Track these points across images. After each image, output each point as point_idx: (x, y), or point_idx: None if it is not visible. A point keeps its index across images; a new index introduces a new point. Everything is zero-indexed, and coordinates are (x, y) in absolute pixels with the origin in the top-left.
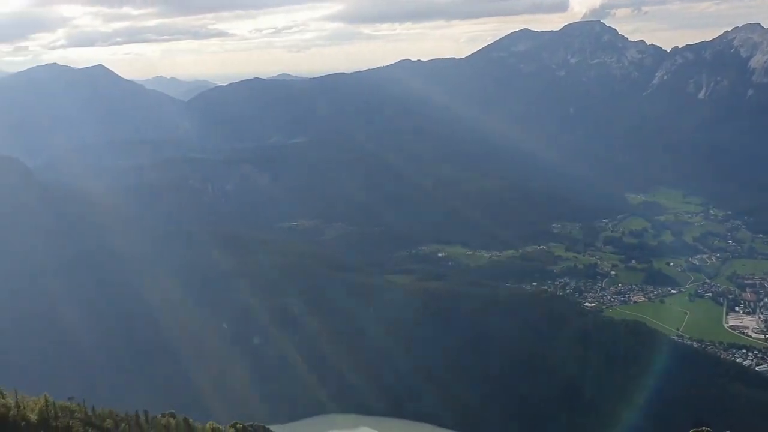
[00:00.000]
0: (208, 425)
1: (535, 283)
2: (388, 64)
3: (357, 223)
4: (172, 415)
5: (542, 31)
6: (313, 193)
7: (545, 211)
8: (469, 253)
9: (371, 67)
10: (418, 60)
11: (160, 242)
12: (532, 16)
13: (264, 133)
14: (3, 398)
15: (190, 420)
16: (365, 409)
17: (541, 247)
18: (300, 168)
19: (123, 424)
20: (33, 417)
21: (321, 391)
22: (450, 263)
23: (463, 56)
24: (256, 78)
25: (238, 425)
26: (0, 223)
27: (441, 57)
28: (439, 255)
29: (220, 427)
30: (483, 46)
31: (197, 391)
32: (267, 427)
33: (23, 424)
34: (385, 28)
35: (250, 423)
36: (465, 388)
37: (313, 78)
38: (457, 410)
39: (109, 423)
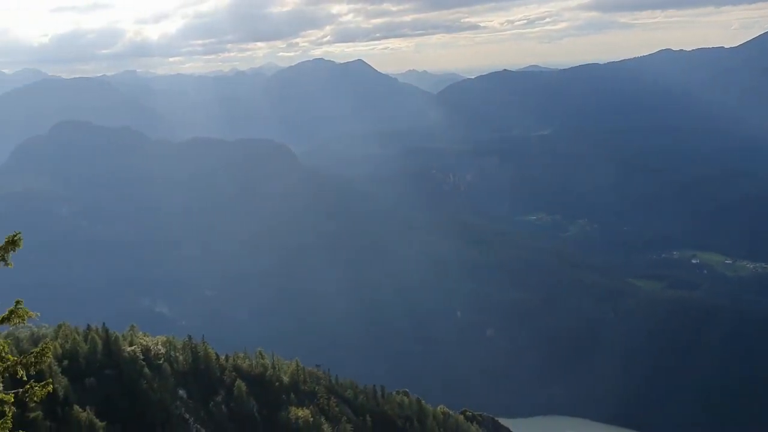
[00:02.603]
0: (438, 408)
1: None
2: (646, 54)
3: (602, 221)
4: (406, 394)
5: None
6: (556, 187)
7: None
8: (729, 261)
9: (627, 58)
10: (681, 50)
11: (401, 228)
12: None
13: (509, 125)
14: (263, 359)
15: (422, 401)
16: (597, 415)
17: None
18: (543, 161)
19: (361, 396)
20: (285, 379)
21: (551, 391)
22: (705, 272)
23: (735, 45)
24: (505, 70)
25: (467, 413)
26: (268, 202)
27: (708, 46)
28: (693, 262)
29: (450, 412)
30: (759, 33)
31: (429, 374)
32: (495, 419)
33: (277, 384)
34: (644, 16)
35: (479, 413)
36: (711, 411)
37: (564, 69)
38: None
39: (349, 393)
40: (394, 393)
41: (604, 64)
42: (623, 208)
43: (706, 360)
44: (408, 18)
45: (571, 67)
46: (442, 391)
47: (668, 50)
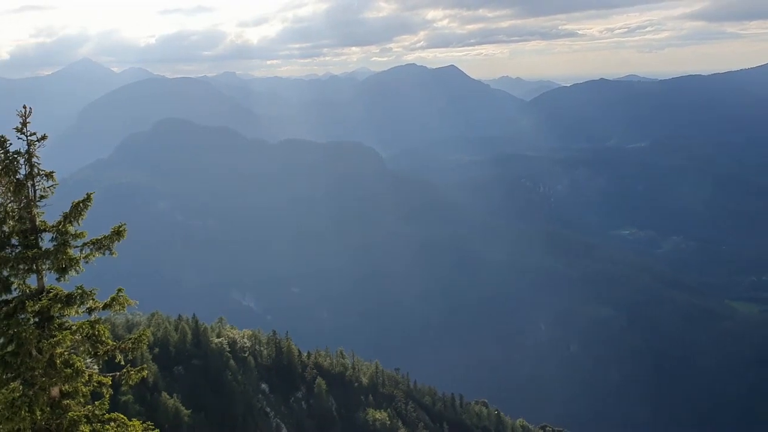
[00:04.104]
0: (518, 422)
1: None
2: (755, 66)
3: (698, 239)
4: (485, 404)
5: None
6: (650, 201)
7: None
8: None
9: (732, 69)
10: None
11: (488, 236)
12: None
13: (603, 135)
14: (343, 359)
15: (501, 413)
16: None
17: None
18: (638, 173)
19: (439, 404)
20: (364, 380)
21: (633, 410)
22: None
23: None
24: (601, 79)
25: (547, 428)
26: (355, 204)
27: None
28: None
29: (530, 426)
30: None
31: (509, 385)
32: None
33: (356, 384)
34: (753, 26)
35: (560, 429)
36: None
37: (664, 80)
38: None
39: (427, 399)
40: (472, 402)
41: (708, 75)
42: (721, 227)
43: None
44: (504, 24)
45: (672, 78)
46: (521, 404)
47: None
